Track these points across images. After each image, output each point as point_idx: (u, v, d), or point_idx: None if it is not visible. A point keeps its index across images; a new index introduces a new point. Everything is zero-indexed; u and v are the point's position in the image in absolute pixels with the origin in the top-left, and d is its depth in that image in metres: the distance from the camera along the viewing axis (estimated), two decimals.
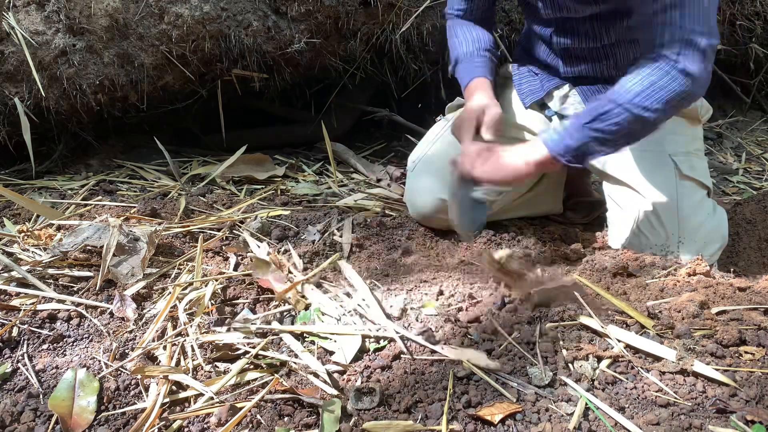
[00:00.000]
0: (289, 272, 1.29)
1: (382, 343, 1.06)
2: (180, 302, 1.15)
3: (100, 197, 1.83)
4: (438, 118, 1.78)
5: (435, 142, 1.69)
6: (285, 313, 1.16)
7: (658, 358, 0.99)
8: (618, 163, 1.49)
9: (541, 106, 1.63)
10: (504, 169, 1.32)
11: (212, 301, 1.16)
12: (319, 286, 1.24)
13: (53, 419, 0.90)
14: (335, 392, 0.94)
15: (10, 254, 1.30)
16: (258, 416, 0.90)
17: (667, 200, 1.44)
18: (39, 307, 1.13)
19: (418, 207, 1.60)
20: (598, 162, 1.52)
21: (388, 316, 1.11)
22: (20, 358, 1.03)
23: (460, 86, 1.59)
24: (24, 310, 1.12)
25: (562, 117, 1.59)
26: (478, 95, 1.49)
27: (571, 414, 0.88)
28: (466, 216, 1.40)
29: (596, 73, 1.52)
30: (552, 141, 1.26)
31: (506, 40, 2.43)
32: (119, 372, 0.99)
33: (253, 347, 1.03)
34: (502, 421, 0.88)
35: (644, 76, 1.20)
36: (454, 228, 1.44)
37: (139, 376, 0.97)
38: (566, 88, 1.58)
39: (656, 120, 1.22)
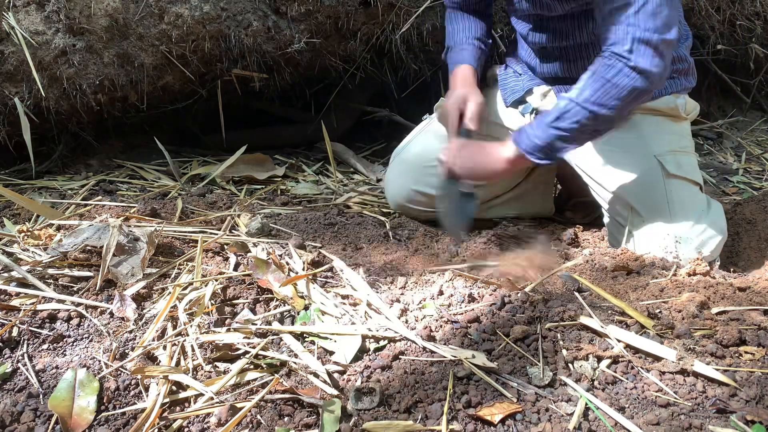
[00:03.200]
0: (289, 272, 1.29)
1: (382, 343, 1.06)
2: (180, 302, 1.15)
3: (100, 197, 1.83)
4: (424, 117, 1.81)
5: (414, 138, 1.77)
6: (285, 313, 1.16)
7: (658, 358, 0.99)
8: (603, 168, 1.51)
9: (520, 104, 1.65)
10: (479, 165, 1.41)
11: (212, 301, 1.16)
12: (319, 286, 1.24)
13: (53, 419, 0.90)
14: (335, 392, 0.94)
15: (10, 254, 1.30)
16: (258, 416, 0.90)
17: (656, 202, 1.45)
18: (39, 307, 1.13)
19: (391, 196, 1.74)
20: (584, 168, 1.54)
21: (388, 316, 1.11)
22: (20, 358, 1.03)
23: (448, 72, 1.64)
24: (24, 310, 1.12)
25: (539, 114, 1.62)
26: (461, 83, 1.55)
27: (571, 414, 0.88)
28: (455, 210, 1.46)
29: (570, 73, 1.55)
30: (521, 139, 1.33)
31: (506, 40, 2.44)
32: (119, 372, 0.99)
33: (253, 347, 1.03)
34: (502, 421, 0.88)
35: (599, 73, 1.25)
36: (443, 224, 1.47)
37: (139, 376, 0.97)
38: (546, 87, 1.61)
39: (615, 116, 1.27)
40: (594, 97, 1.25)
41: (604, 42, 1.27)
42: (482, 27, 1.65)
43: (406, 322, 1.11)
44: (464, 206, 1.48)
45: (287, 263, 1.32)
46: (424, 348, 1.02)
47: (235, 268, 1.30)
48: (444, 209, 1.48)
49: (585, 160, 1.54)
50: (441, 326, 1.08)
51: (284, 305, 1.18)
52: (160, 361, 1.03)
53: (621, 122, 1.32)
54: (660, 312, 1.11)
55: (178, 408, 0.93)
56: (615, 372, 0.97)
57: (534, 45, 1.57)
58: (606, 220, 1.58)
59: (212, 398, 0.92)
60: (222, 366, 1.01)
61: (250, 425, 0.89)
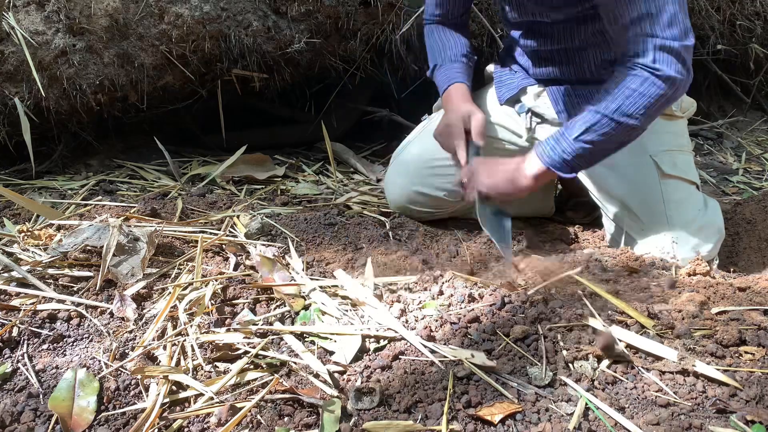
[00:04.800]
0: (289, 272, 1.29)
1: (382, 343, 1.06)
2: (180, 302, 1.15)
3: (100, 197, 1.83)
4: (423, 117, 1.81)
5: (414, 138, 1.76)
6: (285, 314, 1.16)
7: (658, 358, 0.99)
8: (599, 169, 1.50)
9: (515, 102, 1.65)
10: (504, 183, 1.39)
11: (212, 301, 1.16)
12: (319, 286, 1.24)
13: (53, 419, 0.90)
14: (335, 392, 0.94)
15: (10, 254, 1.30)
16: (258, 416, 0.90)
17: (651, 202, 1.45)
18: (39, 307, 1.13)
19: (392, 197, 1.74)
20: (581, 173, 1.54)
21: (388, 316, 1.11)
22: (20, 358, 1.03)
23: (438, 91, 1.63)
24: (24, 310, 1.12)
25: (534, 114, 1.62)
26: (460, 101, 1.54)
27: (571, 414, 0.88)
28: (496, 231, 1.43)
29: (564, 75, 1.55)
30: (547, 155, 1.32)
31: (500, 41, 2.44)
32: (119, 372, 0.99)
33: (253, 347, 1.03)
34: (502, 421, 0.88)
35: (625, 85, 1.26)
36: (496, 246, 1.44)
37: (139, 376, 0.97)
38: (539, 87, 1.61)
39: (642, 125, 1.28)
40: (622, 108, 1.25)
41: (626, 53, 1.28)
42: (466, 43, 1.65)
43: (406, 322, 1.11)
44: (502, 224, 1.46)
45: (288, 263, 1.32)
46: (424, 348, 1.02)
47: (235, 268, 1.30)
48: (489, 232, 1.44)
49: None
50: (441, 326, 1.08)
51: (284, 305, 1.18)
52: (160, 361, 1.03)
53: (643, 132, 1.33)
54: (660, 312, 1.11)
55: (178, 408, 0.93)
56: (615, 372, 0.97)
57: (526, 48, 1.58)
58: (604, 220, 1.58)
59: (212, 398, 0.92)
60: (222, 366, 1.01)
61: (250, 425, 0.89)
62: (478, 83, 1.80)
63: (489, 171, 1.41)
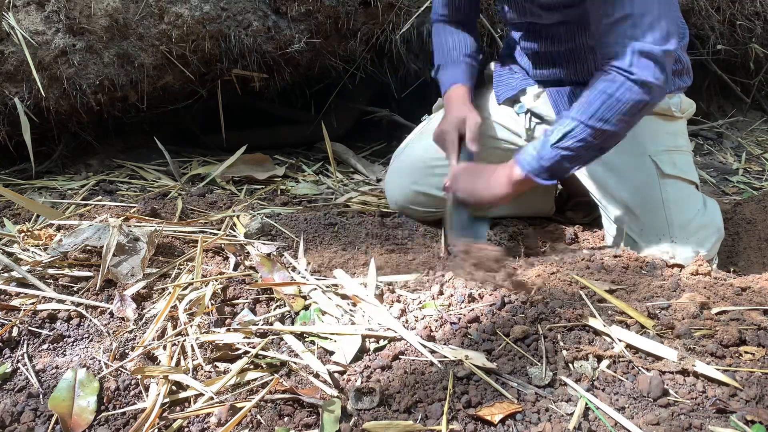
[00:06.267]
0: (289, 272, 1.29)
1: (382, 343, 1.06)
2: (180, 302, 1.15)
3: (100, 197, 1.83)
4: (423, 117, 1.82)
5: (414, 139, 1.77)
6: (285, 314, 1.16)
7: (658, 358, 0.99)
8: (598, 170, 1.50)
9: (514, 102, 1.65)
10: (482, 189, 1.39)
11: (212, 301, 1.16)
12: (319, 285, 1.24)
13: (53, 419, 0.90)
14: (335, 392, 0.94)
15: (10, 254, 1.30)
16: (258, 416, 0.90)
17: (651, 202, 1.45)
18: (39, 307, 1.13)
19: (392, 197, 1.75)
20: (579, 170, 1.54)
21: (388, 316, 1.11)
22: (20, 358, 1.03)
23: (441, 91, 1.64)
24: (24, 310, 1.12)
25: (534, 114, 1.62)
26: (458, 104, 1.54)
27: (571, 414, 0.88)
28: (466, 233, 1.43)
29: (563, 77, 1.55)
30: (526, 162, 1.31)
31: (500, 41, 2.44)
32: (119, 372, 0.99)
33: (253, 347, 1.03)
34: (502, 421, 0.88)
35: (601, 89, 1.23)
36: (450, 244, 1.45)
37: (139, 376, 0.97)
38: (539, 88, 1.61)
39: (620, 130, 1.26)
40: (598, 113, 1.23)
41: (604, 56, 1.26)
42: (472, 42, 1.64)
43: (406, 322, 1.11)
44: (476, 230, 1.46)
45: (289, 263, 1.32)
46: (424, 348, 1.02)
47: (235, 268, 1.30)
48: (450, 232, 1.45)
49: None
50: (441, 326, 1.08)
51: (284, 305, 1.18)
52: (160, 361, 1.03)
53: (623, 137, 1.31)
54: (660, 312, 1.11)
55: (178, 408, 0.93)
56: (615, 372, 0.97)
57: (526, 49, 1.58)
58: (604, 220, 1.58)
59: (212, 398, 0.92)
60: (222, 366, 1.01)
61: (250, 425, 0.89)
62: (480, 83, 1.80)
63: (469, 177, 1.42)
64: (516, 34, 1.58)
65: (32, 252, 1.31)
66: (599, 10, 1.24)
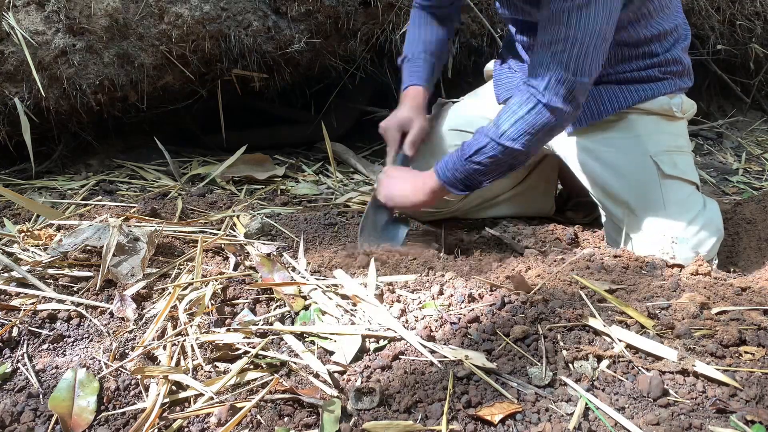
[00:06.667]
0: (289, 272, 1.29)
1: (382, 343, 1.06)
2: (180, 302, 1.15)
3: (100, 197, 1.83)
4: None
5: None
6: (285, 314, 1.16)
7: (658, 358, 0.99)
8: (598, 170, 1.50)
9: None
10: (401, 194, 1.45)
11: (212, 301, 1.16)
12: (319, 285, 1.24)
13: (53, 419, 0.90)
14: (335, 392, 0.94)
15: (10, 254, 1.30)
16: (258, 416, 0.90)
17: (652, 202, 1.45)
18: (39, 307, 1.13)
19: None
20: (580, 169, 1.54)
21: (388, 316, 1.11)
22: (20, 358, 1.03)
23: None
24: (24, 310, 1.12)
25: None
26: (410, 105, 1.58)
27: (571, 414, 0.88)
28: (381, 235, 1.49)
29: None
30: (443, 172, 1.37)
31: (500, 40, 2.44)
32: (119, 372, 0.99)
33: (253, 347, 1.03)
34: (502, 421, 0.88)
35: (513, 110, 1.29)
36: (359, 244, 1.47)
37: (139, 376, 0.97)
38: None
39: (528, 150, 1.32)
40: (508, 132, 1.29)
41: (528, 71, 1.30)
42: (441, 38, 1.65)
43: (406, 322, 1.11)
44: (392, 232, 1.50)
45: (289, 263, 1.32)
46: (424, 348, 1.02)
47: (235, 268, 1.30)
48: (362, 231, 1.48)
49: (581, 161, 1.54)
50: (441, 326, 1.08)
51: (284, 305, 1.18)
52: (160, 361, 1.03)
53: (531, 156, 1.37)
54: (660, 312, 1.11)
55: (178, 408, 0.93)
56: (615, 372, 0.97)
57: (523, 43, 1.58)
58: (604, 220, 1.58)
59: (212, 398, 0.92)
60: (222, 366, 1.01)
61: (250, 425, 0.89)
62: (479, 82, 1.80)
63: (392, 181, 1.47)
64: (512, 29, 1.58)
65: (32, 252, 1.31)
66: (542, 25, 1.27)
